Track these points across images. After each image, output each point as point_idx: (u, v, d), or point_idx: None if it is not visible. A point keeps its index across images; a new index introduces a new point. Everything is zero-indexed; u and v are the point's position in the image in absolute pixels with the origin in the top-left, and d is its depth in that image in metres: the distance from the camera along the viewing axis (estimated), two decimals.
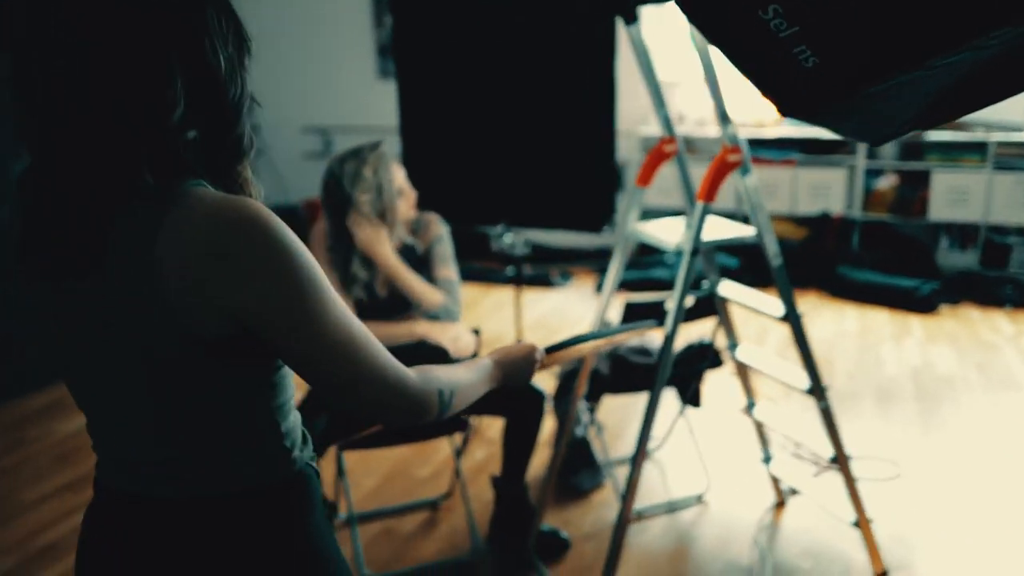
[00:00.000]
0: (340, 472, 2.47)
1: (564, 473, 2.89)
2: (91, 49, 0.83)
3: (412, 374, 1.03)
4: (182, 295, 0.85)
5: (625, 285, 4.96)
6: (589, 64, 3.17)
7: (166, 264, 0.85)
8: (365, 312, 2.39)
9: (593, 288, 5.39)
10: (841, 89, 1.10)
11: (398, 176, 2.37)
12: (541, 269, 5.68)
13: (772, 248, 2.05)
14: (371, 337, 0.98)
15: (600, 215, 3.37)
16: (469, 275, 5.30)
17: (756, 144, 5.18)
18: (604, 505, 2.79)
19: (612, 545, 2.10)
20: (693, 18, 1.15)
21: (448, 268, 2.46)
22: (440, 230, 2.49)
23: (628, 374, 2.68)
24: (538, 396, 2.43)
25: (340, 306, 0.94)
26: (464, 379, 1.13)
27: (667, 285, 4.77)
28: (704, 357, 2.65)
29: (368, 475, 3.04)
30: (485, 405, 2.41)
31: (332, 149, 6.70)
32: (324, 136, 6.73)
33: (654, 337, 2.80)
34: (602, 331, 1.56)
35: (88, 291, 0.88)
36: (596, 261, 5.81)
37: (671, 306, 1.99)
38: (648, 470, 3.02)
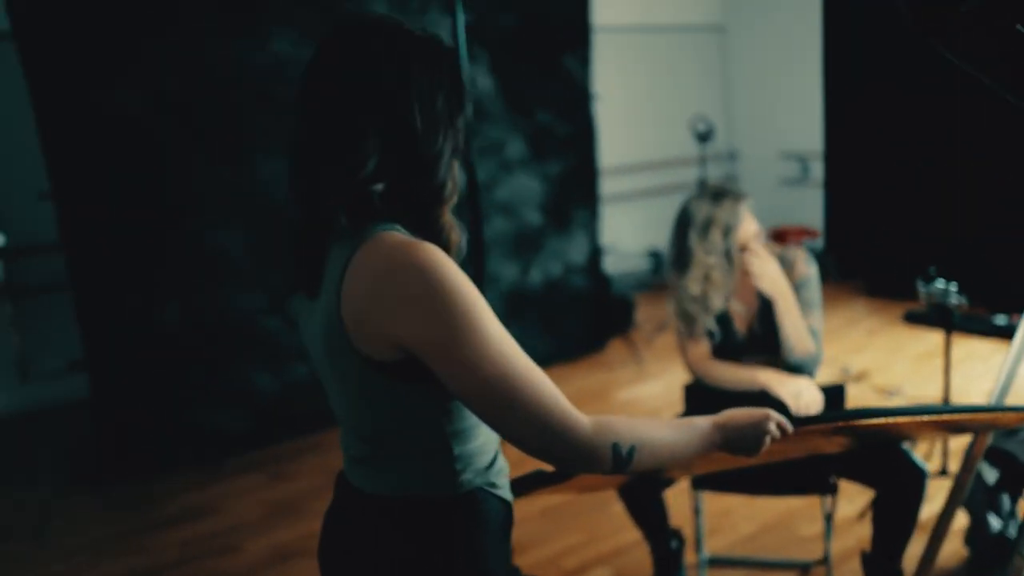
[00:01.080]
0: (696, 511, 2.44)
1: (974, 572, 2.42)
2: (307, 117, 1.03)
3: (584, 421, 1.03)
4: (356, 324, 1.00)
5: None
6: None
7: (345, 296, 1.00)
8: (715, 350, 2.30)
9: None
10: None
11: (746, 232, 2.23)
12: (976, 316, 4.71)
13: None
14: (537, 378, 1.01)
15: None
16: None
17: None
18: None
19: None
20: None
21: (813, 315, 2.24)
22: (807, 271, 2.27)
23: None
24: (918, 472, 2.09)
25: (503, 346, 0.99)
26: (657, 436, 1.08)
27: None
28: None
29: (749, 520, 2.92)
30: (854, 471, 2.16)
31: (809, 175, 6.46)
32: (802, 162, 6.52)
33: None
34: (914, 408, 1.30)
35: (314, 309, 1.08)
36: None
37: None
38: None
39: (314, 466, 3.58)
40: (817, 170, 6.29)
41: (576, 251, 4.81)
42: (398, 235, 1.03)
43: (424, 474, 1.09)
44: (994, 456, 2.29)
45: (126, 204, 3.45)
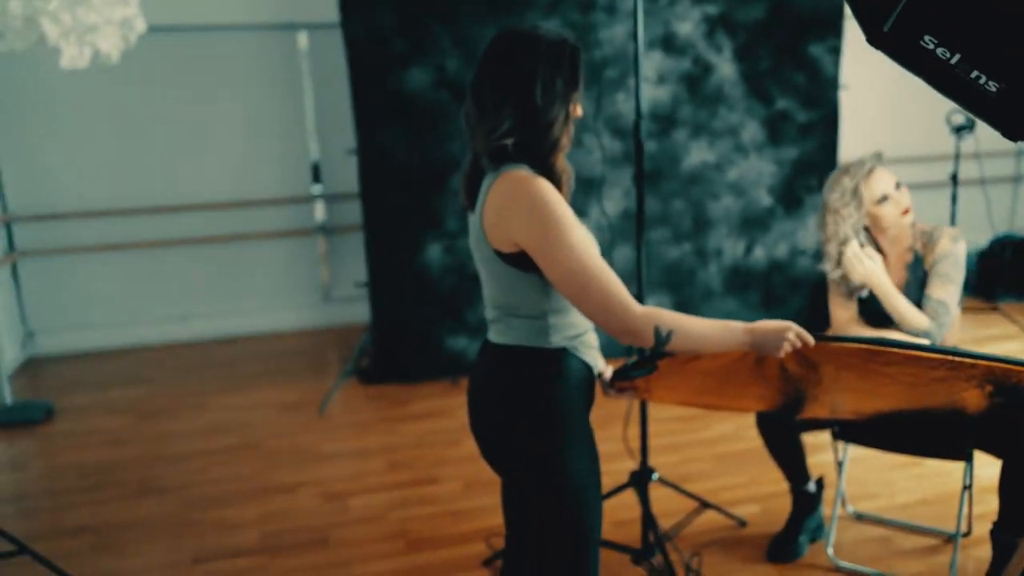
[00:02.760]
0: (840, 465, 2.70)
1: None
2: (470, 95, 1.57)
3: (637, 309, 1.49)
4: (490, 227, 1.53)
5: None
6: None
7: (485, 209, 1.54)
8: (866, 318, 2.52)
9: None
10: None
11: (877, 187, 2.41)
12: None
13: None
14: (605, 274, 1.49)
15: None
16: None
17: None
18: None
19: None
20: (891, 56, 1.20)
21: (943, 288, 2.38)
22: (948, 247, 2.41)
23: None
24: None
25: (581, 247, 1.48)
26: (695, 328, 1.51)
27: None
28: None
29: (909, 492, 3.07)
30: (986, 440, 2.32)
31: None
32: None
33: None
34: (911, 343, 1.59)
35: (473, 218, 1.64)
36: None
37: None
38: None
39: None
40: None
41: (808, 235, 4.96)
42: (522, 172, 1.54)
43: (529, 332, 1.60)
44: None
45: (409, 163, 4.30)
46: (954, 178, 5.01)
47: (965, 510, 2.54)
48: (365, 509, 3.13)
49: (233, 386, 4.56)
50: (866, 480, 3.17)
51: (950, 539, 2.73)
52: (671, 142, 4.64)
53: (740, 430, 3.65)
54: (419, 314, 4.46)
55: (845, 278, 2.50)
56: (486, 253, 1.58)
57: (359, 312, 5.45)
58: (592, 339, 1.66)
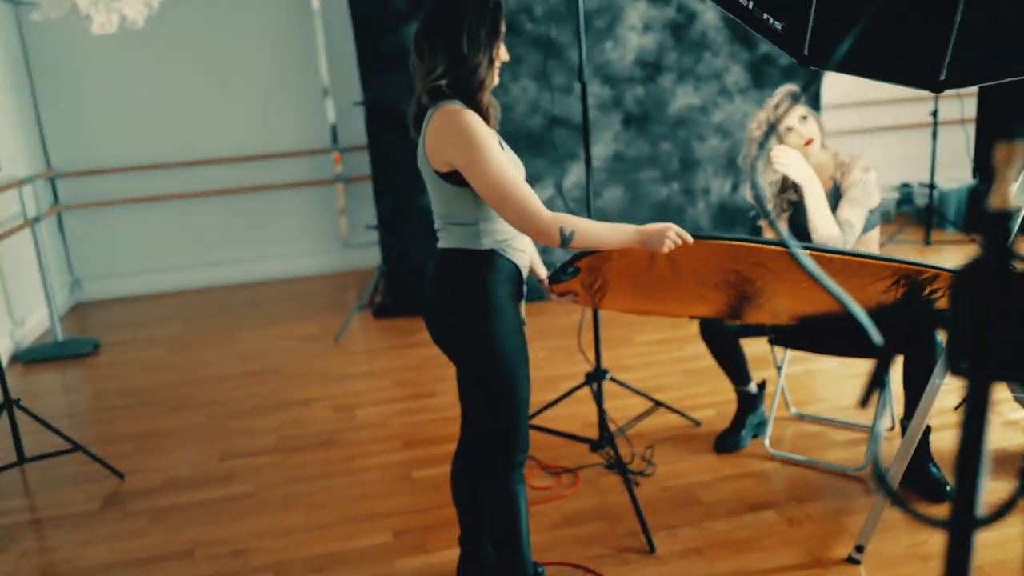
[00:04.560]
0: (779, 369, 3.06)
1: None
2: (416, 42, 1.93)
3: (546, 214, 1.85)
4: (430, 151, 1.90)
5: None
6: None
7: (426, 136, 1.90)
8: (793, 231, 2.86)
9: None
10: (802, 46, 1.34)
11: (784, 120, 2.71)
12: None
13: None
14: (520, 185, 1.85)
15: None
16: None
17: None
18: None
19: None
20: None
21: (849, 210, 2.68)
22: (858, 176, 2.71)
23: None
24: (931, 343, 2.54)
25: (500, 165, 1.84)
26: (593, 227, 1.88)
27: None
28: None
29: (853, 397, 3.42)
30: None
31: None
32: None
33: None
34: (779, 240, 1.92)
35: (418, 144, 2.00)
36: None
37: None
38: None
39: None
40: None
41: None
42: (454, 106, 1.89)
43: (464, 236, 1.97)
44: None
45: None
46: (935, 116, 5.22)
47: (892, 407, 2.88)
48: (370, 417, 3.57)
49: (259, 323, 5.03)
50: (814, 387, 3.53)
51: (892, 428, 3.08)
52: (658, 87, 4.93)
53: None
54: (423, 252, 4.86)
55: (777, 184, 2.81)
56: (428, 172, 1.95)
57: (376, 256, 5.87)
58: (519, 243, 2.03)
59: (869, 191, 2.72)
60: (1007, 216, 0.53)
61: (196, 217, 5.82)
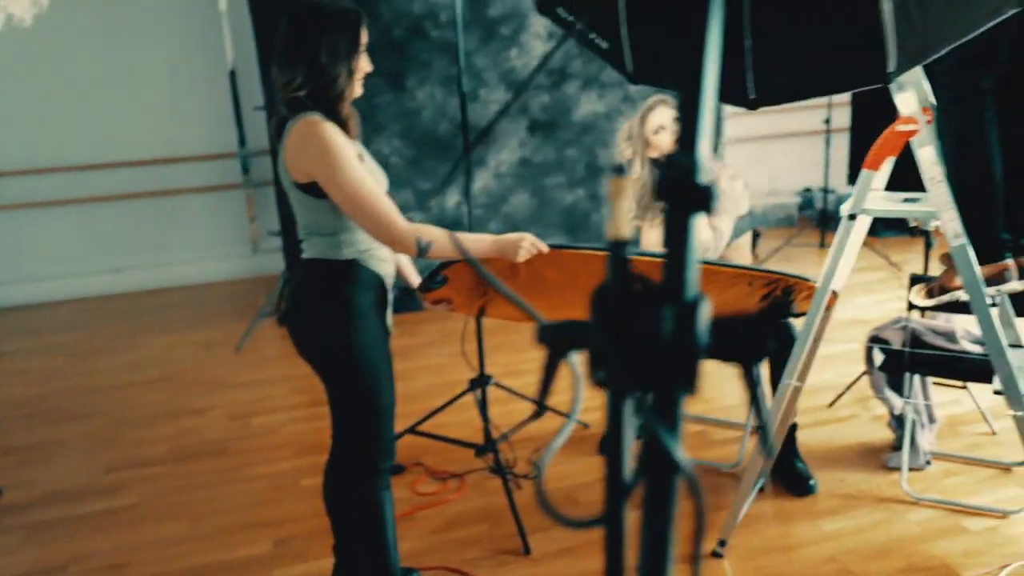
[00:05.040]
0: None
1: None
2: (276, 54, 1.94)
3: (403, 225, 1.89)
4: (290, 162, 1.91)
5: None
6: None
7: (285, 147, 1.92)
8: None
9: None
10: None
11: (655, 120, 2.82)
12: None
13: (951, 228, 1.93)
14: (377, 195, 1.88)
15: None
16: None
17: None
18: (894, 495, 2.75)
19: None
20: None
21: (719, 218, 2.80)
22: (723, 185, 2.82)
23: (925, 356, 2.58)
24: (790, 333, 2.66)
25: (356, 176, 1.86)
26: (449, 240, 1.91)
27: None
28: None
29: (738, 396, 3.53)
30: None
31: None
32: None
33: (964, 323, 2.56)
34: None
35: (279, 154, 2.01)
36: None
37: (826, 273, 2.11)
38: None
39: (423, 329, 4.64)
40: None
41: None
42: (313, 117, 1.91)
43: (325, 246, 1.99)
44: (876, 341, 2.76)
45: None
46: (828, 123, 5.43)
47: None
48: (263, 426, 3.55)
49: (162, 329, 4.94)
50: (702, 387, 3.63)
51: (755, 430, 3.20)
52: (563, 94, 5.01)
53: None
54: None
55: (645, 188, 2.91)
56: (288, 183, 1.97)
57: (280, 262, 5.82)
58: (382, 253, 2.05)
59: (736, 199, 2.83)
60: (623, 244, 0.59)
61: (101, 222, 5.68)
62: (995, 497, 2.66)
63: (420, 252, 1.91)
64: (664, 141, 2.85)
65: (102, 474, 3.20)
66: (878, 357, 2.73)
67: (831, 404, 3.40)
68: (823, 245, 5.85)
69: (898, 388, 2.81)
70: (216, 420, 3.64)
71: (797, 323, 2.73)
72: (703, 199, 0.57)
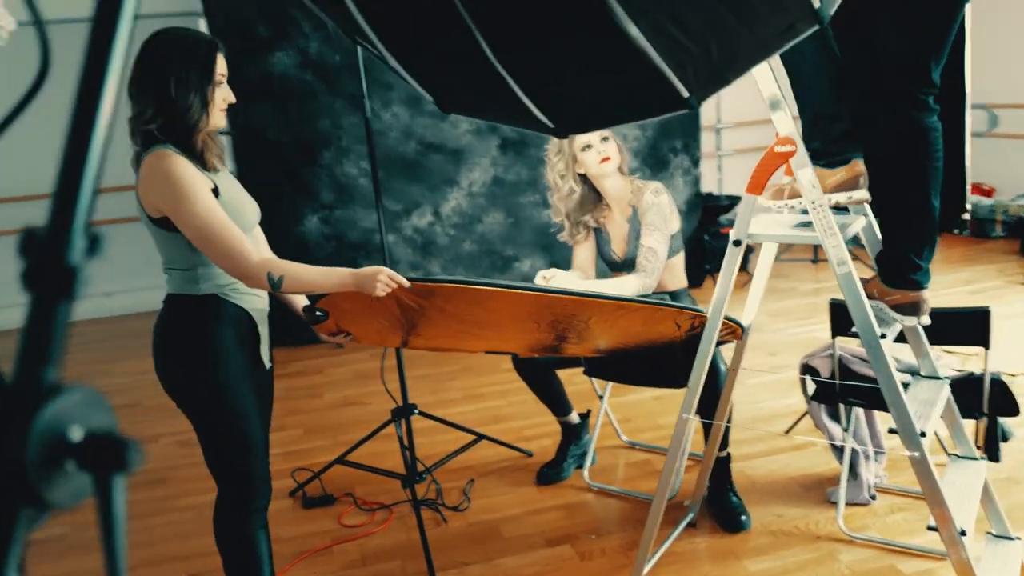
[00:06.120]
0: (601, 398, 3.04)
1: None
2: (128, 86, 1.89)
3: (253, 259, 1.82)
4: (143, 197, 1.86)
5: None
6: None
7: (139, 183, 1.87)
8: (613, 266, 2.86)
9: None
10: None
11: (583, 137, 2.71)
12: None
13: (835, 255, 1.81)
14: (228, 228, 1.81)
15: None
16: None
17: None
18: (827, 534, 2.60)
19: None
20: None
21: (650, 236, 2.65)
22: (650, 199, 2.68)
23: (853, 386, 2.43)
24: (715, 376, 2.53)
25: (204, 210, 1.80)
26: (303, 273, 1.85)
27: None
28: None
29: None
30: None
31: (996, 126, 6.14)
32: (989, 113, 6.18)
33: (894, 350, 2.41)
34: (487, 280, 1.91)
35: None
36: None
37: (715, 301, 1.99)
38: None
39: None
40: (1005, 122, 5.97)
41: (676, 195, 5.25)
42: (162, 152, 1.85)
43: (182, 281, 1.94)
44: (807, 371, 2.61)
45: (280, 139, 4.63)
46: None
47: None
48: None
49: (136, 355, 4.94)
50: (648, 415, 3.51)
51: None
52: None
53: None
54: None
55: (573, 202, 2.82)
56: (144, 218, 1.91)
57: None
58: (247, 287, 1.99)
59: (664, 214, 2.71)
60: None
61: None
62: (936, 537, 2.49)
63: (274, 286, 1.84)
64: (590, 159, 2.75)
65: None
66: (811, 386, 2.59)
67: (788, 431, 3.24)
68: (816, 260, 5.66)
69: (837, 417, 2.66)
70: (165, 448, 3.61)
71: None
72: (70, 284, 0.48)
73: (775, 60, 1.82)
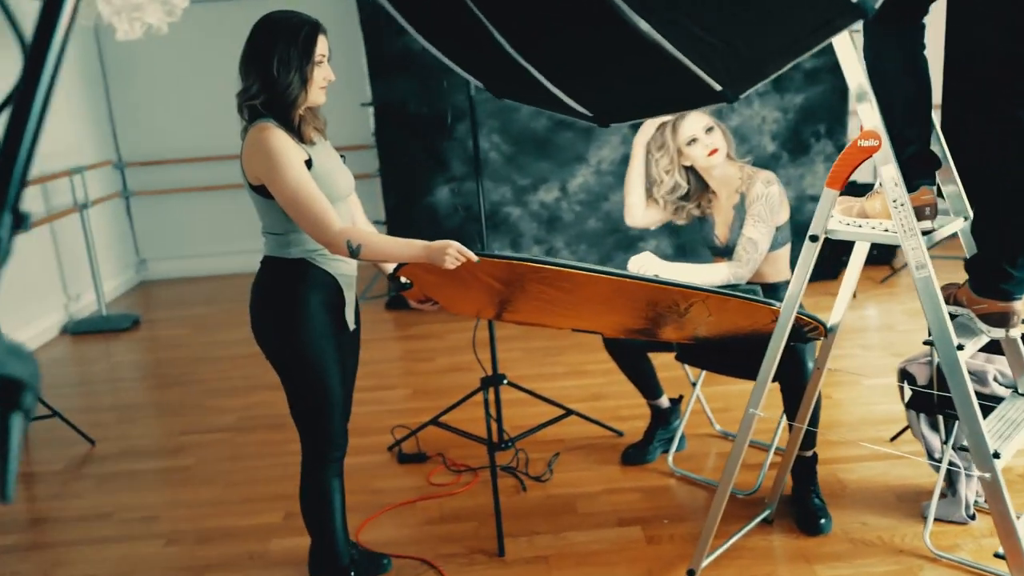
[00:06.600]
0: (693, 384, 3.01)
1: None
2: (240, 65, 2.06)
3: (336, 228, 1.97)
4: (245, 165, 2.04)
5: None
6: None
7: (243, 152, 2.05)
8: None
9: None
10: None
11: (687, 131, 2.63)
12: None
13: (914, 257, 1.71)
14: (315, 201, 1.96)
15: None
16: None
17: None
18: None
19: None
20: None
21: (753, 227, 2.54)
22: (760, 190, 2.56)
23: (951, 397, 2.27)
24: (801, 371, 2.46)
25: (296, 180, 1.96)
26: (380, 242, 1.98)
27: None
28: None
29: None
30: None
31: None
32: None
33: (995, 366, 2.22)
34: (557, 261, 1.96)
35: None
36: None
37: (790, 295, 1.94)
38: None
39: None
40: None
41: (817, 181, 5.02)
42: (263, 124, 2.02)
43: (276, 245, 2.11)
44: (904, 376, 2.46)
45: (419, 112, 4.83)
46: None
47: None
48: None
49: None
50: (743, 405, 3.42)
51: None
52: None
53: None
54: None
55: (671, 191, 2.78)
56: (246, 185, 2.10)
57: None
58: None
59: (772, 205, 2.62)
60: None
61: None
62: None
63: (352, 254, 1.98)
64: (697, 153, 2.69)
65: (174, 436, 3.56)
66: (907, 392, 2.46)
67: (893, 439, 3.08)
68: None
69: (937, 427, 2.51)
70: None
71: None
72: (14, 396, 0.57)
73: (859, 54, 1.74)
